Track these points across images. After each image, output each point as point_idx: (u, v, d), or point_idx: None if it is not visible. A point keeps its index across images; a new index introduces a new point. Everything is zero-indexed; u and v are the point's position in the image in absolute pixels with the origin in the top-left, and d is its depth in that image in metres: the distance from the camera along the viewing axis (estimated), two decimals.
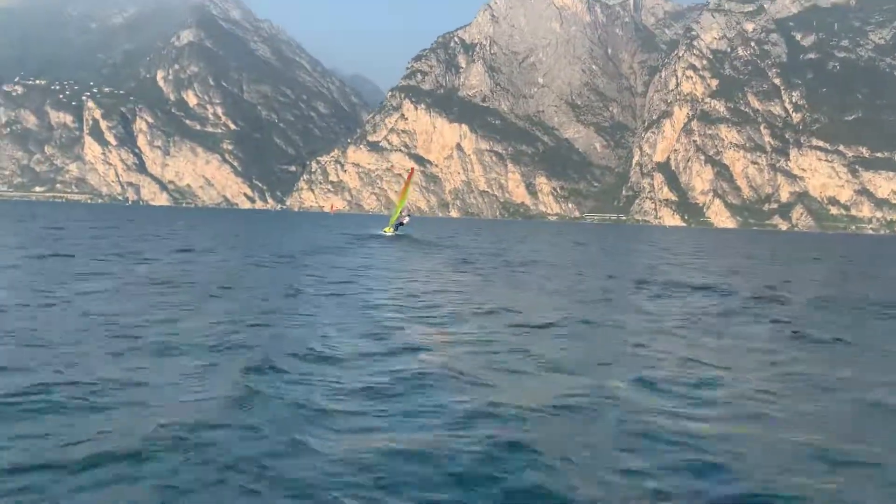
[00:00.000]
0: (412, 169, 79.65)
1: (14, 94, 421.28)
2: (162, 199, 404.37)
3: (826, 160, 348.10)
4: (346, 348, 11.95)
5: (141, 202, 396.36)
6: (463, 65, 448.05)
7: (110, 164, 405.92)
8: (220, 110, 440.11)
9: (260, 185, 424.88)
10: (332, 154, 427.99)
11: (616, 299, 21.26)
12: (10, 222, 67.56)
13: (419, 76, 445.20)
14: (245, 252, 35.91)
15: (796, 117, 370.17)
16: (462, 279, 25.90)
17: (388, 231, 65.95)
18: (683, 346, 13.44)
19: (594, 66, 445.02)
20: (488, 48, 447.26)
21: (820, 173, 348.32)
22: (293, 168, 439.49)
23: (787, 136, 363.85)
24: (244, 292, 19.02)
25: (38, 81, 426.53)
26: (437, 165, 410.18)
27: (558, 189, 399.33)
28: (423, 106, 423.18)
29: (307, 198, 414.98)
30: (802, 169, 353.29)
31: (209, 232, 66.01)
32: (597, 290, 23.32)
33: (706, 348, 13.42)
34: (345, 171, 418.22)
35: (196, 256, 30.67)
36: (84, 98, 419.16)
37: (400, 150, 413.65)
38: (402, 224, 67.34)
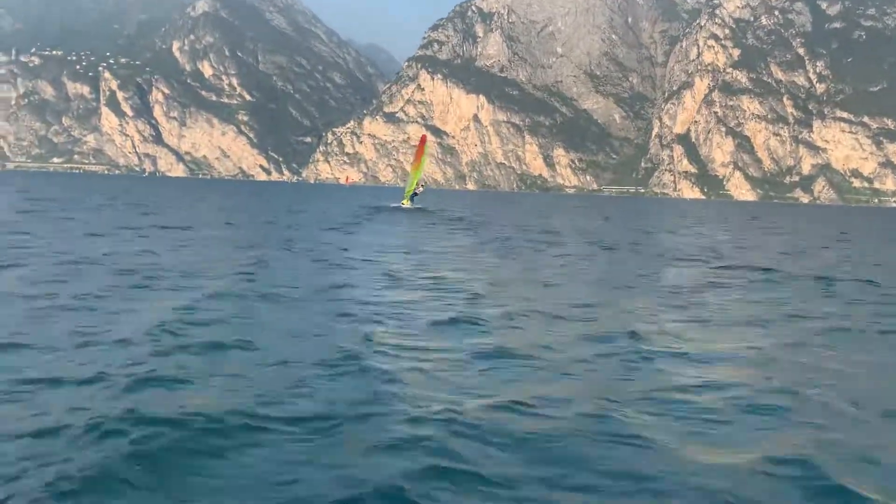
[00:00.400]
0: (423, 136, 75.81)
1: (31, 64, 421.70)
2: (178, 171, 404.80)
3: (850, 132, 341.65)
4: (317, 405, 7.15)
5: (158, 173, 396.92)
6: (480, 34, 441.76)
7: (127, 136, 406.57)
8: (235, 81, 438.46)
9: (276, 156, 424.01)
10: (348, 125, 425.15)
11: (694, 294, 16.88)
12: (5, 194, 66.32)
13: (436, 46, 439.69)
14: (242, 230, 33.90)
15: (820, 88, 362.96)
16: (490, 263, 22.36)
17: (406, 203, 65.07)
18: (857, 385, 8.84)
19: (614, 36, 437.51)
20: (506, 17, 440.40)
21: (843, 145, 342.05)
22: (309, 139, 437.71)
23: (810, 108, 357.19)
24: (212, 284, 14.68)
25: (54, 52, 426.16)
26: (453, 137, 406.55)
27: (576, 161, 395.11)
28: (439, 76, 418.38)
29: (323, 169, 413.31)
30: (826, 141, 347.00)
31: (216, 205, 64.52)
32: (668, 282, 19.28)
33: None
34: (361, 142, 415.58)
35: (181, 234, 28.60)
36: (100, 69, 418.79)
37: (416, 121, 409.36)
38: (416, 195, 66.25)
